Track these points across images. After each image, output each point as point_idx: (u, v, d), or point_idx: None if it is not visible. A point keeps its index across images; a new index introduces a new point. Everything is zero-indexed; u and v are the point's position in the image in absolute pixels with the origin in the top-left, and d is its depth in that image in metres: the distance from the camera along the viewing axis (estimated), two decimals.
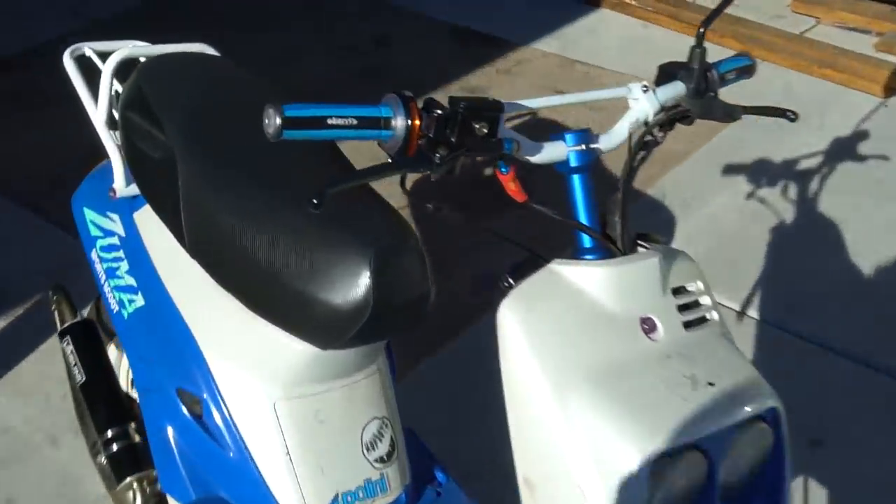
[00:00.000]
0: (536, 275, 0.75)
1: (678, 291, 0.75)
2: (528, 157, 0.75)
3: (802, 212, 2.02)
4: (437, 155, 0.67)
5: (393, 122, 0.67)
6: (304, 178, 0.98)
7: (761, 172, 2.13)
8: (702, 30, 0.78)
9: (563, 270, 0.74)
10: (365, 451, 1.03)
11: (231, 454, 1.02)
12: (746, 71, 0.82)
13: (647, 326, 0.71)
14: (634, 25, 2.78)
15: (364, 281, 0.86)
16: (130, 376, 1.28)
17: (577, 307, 0.72)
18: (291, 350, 0.96)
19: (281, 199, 0.94)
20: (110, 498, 1.28)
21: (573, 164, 0.75)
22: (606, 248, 0.74)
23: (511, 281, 0.75)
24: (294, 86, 2.12)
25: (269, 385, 0.99)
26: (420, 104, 0.68)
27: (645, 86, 0.78)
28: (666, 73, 0.79)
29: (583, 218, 0.74)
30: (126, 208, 1.17)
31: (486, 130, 0.69)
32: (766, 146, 2.20)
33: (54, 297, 1.39)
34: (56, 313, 1.38)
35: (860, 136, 2.24)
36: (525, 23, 2.79)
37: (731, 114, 0.78)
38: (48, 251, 1.90)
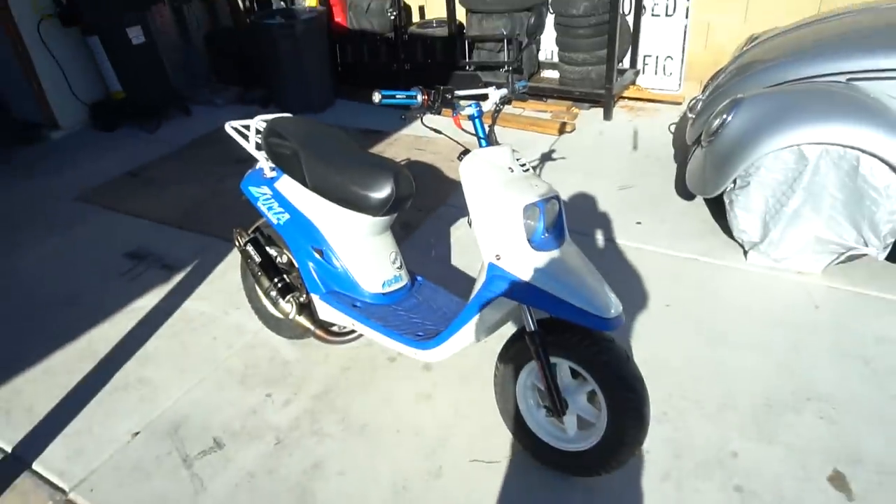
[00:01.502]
0: (470, 154, 2.54)
1: (517, 158, 2.66)
2: (461, 112, 2.57)
3: None
4: (436, 105, 2.41)
5: (417, 97, 2.25)
6: (354, 154, 2.60)
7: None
8: (512, 69, 2.73)
9: (480, 152, 2.52)
10: (392, 264, 2.68)
11: (339, 270, 2.44)
12: (525, 87, 2.73)
13: (511, 170, 2.53)
14: (433, 118, 5.02)
15: (391, 185, 2.22)
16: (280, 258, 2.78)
17: (486, 162, 2.47)
18: (360, 219, 2.33)
19: (348, 160, 2.53)
20: (279, 312, 2.59)
21: (475, 114, 2.48)
22: (490, 144, 2.63)
23: (462, 156, 2.60)
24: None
25: (352, 237, 2.59)
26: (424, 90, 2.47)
27: (495, 87, 2.63)
28: (498, 86, 2.67)
29: (481, 134, 2.60)
30: (269, 183, 2.52)
31: (449, 96, 2.28)
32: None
33: (236, 231, 2.61)
34: (238, 237, 2.60)
35: (552, 151, 4.59)
36: (393, 123, 4.92)
37: (524, 98, 2.68)
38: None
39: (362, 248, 2.44)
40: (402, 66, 5.77)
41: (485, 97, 2.26)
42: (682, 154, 4.33)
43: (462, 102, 2.13)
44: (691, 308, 2.89)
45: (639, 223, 3.60)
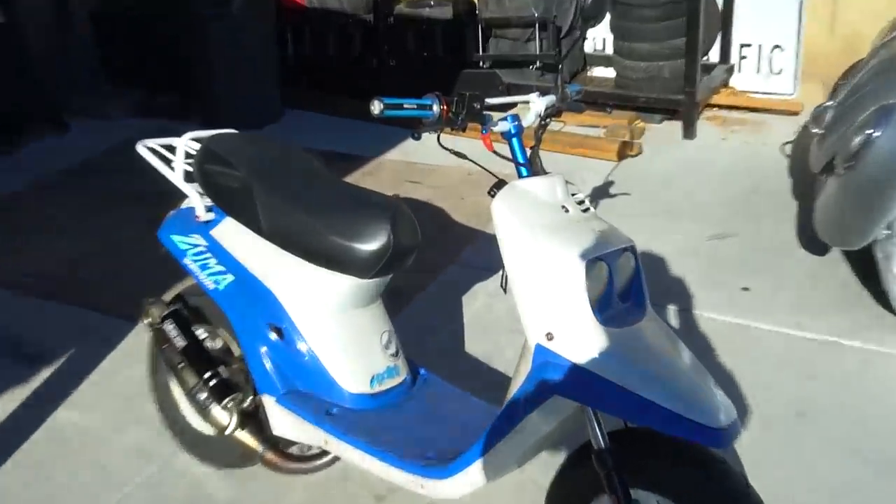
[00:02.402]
0: (506, 187, 2.52)
1: (573, 195, 2.70)
2: (492, 128, 2.58)
3: None
4: (459, 118, 2.27)
5: (434, 107, 2.21)
6: (324, 186, 2.56)
7: None
8: (560, 66, 2.81)
9: (520, 184, 2.55)
10: (384, 349, 2.51)
11: (305, 358, 2.37)
12: (580, 92, 2.69)
13: (564, 209, 2.50)
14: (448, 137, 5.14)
15: (387, 231, 2.22)
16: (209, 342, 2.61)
17: (530, 199, 2.42)
18: (340, 284, 2.32)
19: (323, 195, 2.52)
20: (209, 425, 2.49)
21: (513, 131, 2.56)
22: (534, 174, 2.65)
23: (495, 190, 2.63)
24: None
25: (325, 311, 2.57)
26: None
27: (538, 94, 2.67)
28: (543, 91, 2.68)
29: (520, 160, 2.52)
30: (203, 229, 2.52)
31: (478, 106, 2.30)
32: None
33: (148, 302, 2.61)
34: (148, 314, 2.60)
35: (608, 184, 4.68)
36: (374, 145, 5.04)
37: (580, 108, 2.72)
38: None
39: (342, 325, 2.47)
40: (384, 61, 5.93)
41: (523, 108, 2.34)
42: (805, 187, 4.41)
43: (494, 115, 2.20)
44: (836, 417, 2.88)
45: (745, 289, 3.64)
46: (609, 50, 5.82)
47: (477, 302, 3.64)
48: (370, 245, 2.31)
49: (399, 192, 4.58)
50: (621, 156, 5.04)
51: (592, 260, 2.05)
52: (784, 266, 3.82)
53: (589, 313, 2.01)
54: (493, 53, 5.81)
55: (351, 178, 4.73)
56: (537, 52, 5.57)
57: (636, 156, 5.09)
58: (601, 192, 4.53)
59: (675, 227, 4.20)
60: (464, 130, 2.21)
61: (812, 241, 3.80)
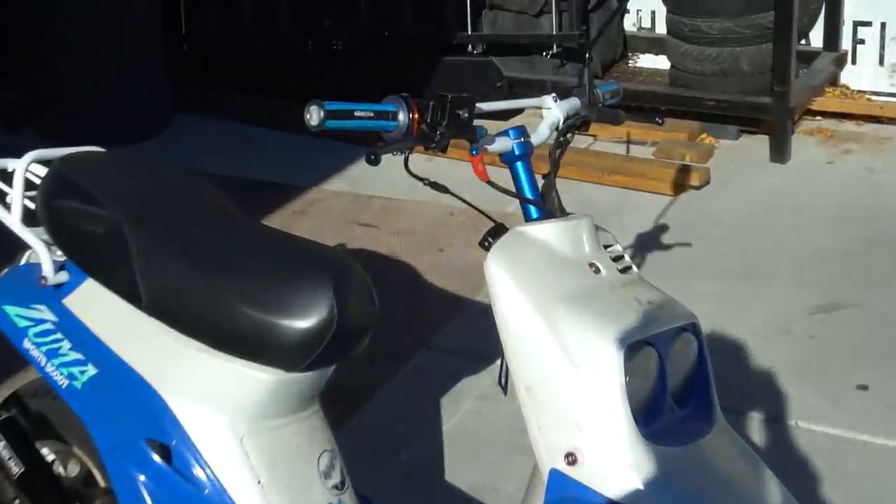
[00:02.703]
0: (507, 234, 2.52)
1: (606, 248, 2.68)
2: (485, 146, 2.35)
3: None
4: (437, 132, 2.15)
5: (399, 115, 1.94)
6: (237, 234, 2.51)
7: None
8: (587, 55, 2.80)
9: (526, 229, 2.46)
10: (323, 479, 2.30)
11: (206, 492, 2.22)
12: (617, 94, 2.80)
13: (594, 269, 2.53)
14: (420, 159, 5.21)
15: (329, 303, 2.11)
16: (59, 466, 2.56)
17: (542, 254, 2.40)
18: (256, 380, 2.21)
19: (235, 248, 2.47)
20: None
21: (517, 152, 2.55)
22: (549, 215, 2.68)
23: (490, 240, 2.65)
24: None
25: (235, 421, 2.22)
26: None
27: (554, 96, 2.66)
28: (563, 92, 2.73)
29: (528, 194, 2.62)
30: (52, 297, 2.46)
31: (466, 115, 2.18)
32: None
33: None
34: None
35: (661, 229, 4.74)
36: (310, 169, 5.10)
37: (617, 117, 2.80)
38: None
39: (261, 443, 2.47)
40: (326, 43, 6.02)
41: (534, 116, 2.39)
42: None
43: (489, 127, 2.25)
44: None
45: (862, 387, 3.69)
46: (661, 29, 5.93)
47: (462, 406, 3.65)
48: (302, 321, 2.32)
49: (347, 240, 4.59)
50: (679, 187, 5.11)
51: (635, 345, 2.10)
52: None
53: (629, 424, 2.03)
54: (489, 33, 5.88)
55: (275, 220, 4.76)
56: (554, 32, 5.65)
57: (701, 187, 5.15)
58: (649, 243, 4.56)
59: (760, 294, 4.23)
60: (444, 150, 2.25)
61: None
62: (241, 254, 2.49)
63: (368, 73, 5.71)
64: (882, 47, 5.76)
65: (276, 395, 2.46)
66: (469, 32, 5.81)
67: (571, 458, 2.09)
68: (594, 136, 5.46)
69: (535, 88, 5.26)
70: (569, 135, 2.50)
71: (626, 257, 2.33)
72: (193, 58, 6.26)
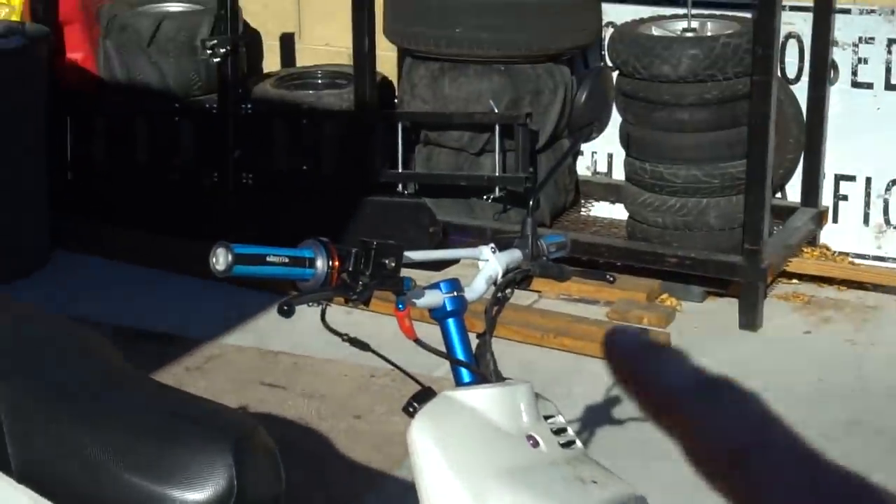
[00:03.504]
0: (435, 400, 2.72)
1: (547, 419, 2.79)
2: (413, 300, 2.71)
3: None
4: (360, 283, 2.45)
5: (317, 262, 2.34)
6: (124, 391, 2.67)
7: None
8: (531, 201, 2.89)
9: (457, 395, 2.73)
10: None
11: None
12: (563, 247, 2.94)
13: (532, 443, 2.69)
14: (339, 312, 5.24)
15: (228, 471, 2.48)
16: None
17: (473, 423, 2.65)
18: None
19: (121, 408, 2.66)
20: None
21: (448, 308, 2.77)
22: (483, 379, 2.76)
23: (416, 405, 2.73)
24: None
25: None
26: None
27: (493, 247, 2.83)
28: (503, 242, 2.85)
29: (460, 355, 2.75)
30: None
31: (393, 264, 2.47)
32: None
33: None
34: None
35: (612, 401, 4.78)
36: (208, 319, 5.11)
37: (563, 273, 2.91)
38: None
39: None
40: (234, 177, 6.07)
41: (469, 268, 2.44)
42: None
43: (418, 279, 2.30)
44: None
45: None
46: (618, 174, 6.04)
47: None
48: (197, 494, 2.35)
49: (249, 402, 4.63)
50: None
51: None
52: None
53: None
54: (423, 171, 5.95)
55: (166, 377, 4.75)
56: (497, 174, 5.73)
57: None
58: (599, 416, 4.59)
59: None
60: (367, 303, 2.30)
61: None
62: (129, 414, 2.50)
63: (283, 212, 5.74)
64: (867, 205, 5.87)
65: None
66: (399, 170, 5.87)
67: None
68: (539, 292, 5.52)
69: (472, 236, 5.32)
70: (508, 290, 2.56)
71: (570, 430, 2.39)
72: (79, 189, 6.28)
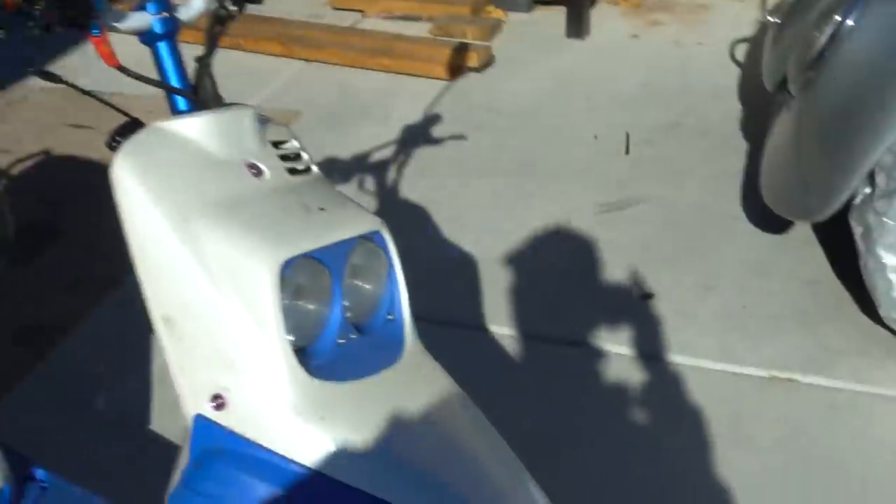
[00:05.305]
0: (142, 132, 2.21)
1: (277, 145, 2.64)
2: (114, 24, 2.08)
3: (387, 202, 4.26)
4: (36, 8, 2.13)
5: None
6: None
7: (332, 171, 4.36)
8: None
9: (167, 125, 2.21)
10: None
11: None
12: None
13: (254, 171, 2.43)
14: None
15: None
16: None
17: (184, 155, 2.35)
18: None
19: None
20: None
21: (158, 31, 2.27)
22: (201, 107, 2.53)
23: (119, 139, 2.48)
24: None
25: None
26: None
27: None
28: None
29: (174, 82, 2.51)
30: None
31: None
32: (331, 143, 4.48)
33: None
34: None
35: (431, 120, 4.67)
36: (8, 62, 4.89)
37: None
38: None
39: None
40: None
41: None
42: (761, 118, 4.48)
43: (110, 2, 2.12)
44: None
45: (647, 296, 3.74)
46: None
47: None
48: None
49: (55, 146, 4.49)
50: (456, 70, 5.07)
51: (297, 261, 2.06)
52: (716, 254, 3.90)
53: (286, 358, 1.98)
54: None
55: None
56: None
57: (482, 69, 5.14)
58: (416, 135, 4.53)
59: (542, 192, 4.26)
60: (48, 30, 2.13)
61: (766, 212, 3.87)
62: None
63: None
64: None
65: None
66: None
67: (219, 402, 2.03)
68: (361, 11, 5.37)
69: None
70: (234, 9, 2.38)
71: (305, 155, 2.24)
72: None
